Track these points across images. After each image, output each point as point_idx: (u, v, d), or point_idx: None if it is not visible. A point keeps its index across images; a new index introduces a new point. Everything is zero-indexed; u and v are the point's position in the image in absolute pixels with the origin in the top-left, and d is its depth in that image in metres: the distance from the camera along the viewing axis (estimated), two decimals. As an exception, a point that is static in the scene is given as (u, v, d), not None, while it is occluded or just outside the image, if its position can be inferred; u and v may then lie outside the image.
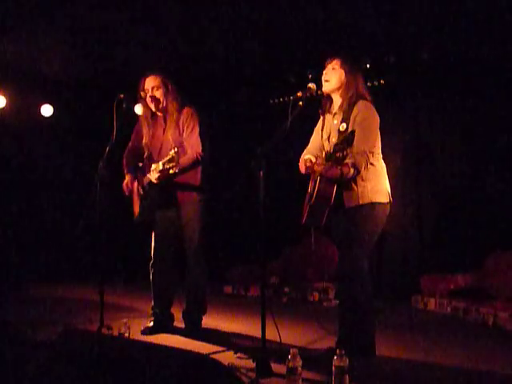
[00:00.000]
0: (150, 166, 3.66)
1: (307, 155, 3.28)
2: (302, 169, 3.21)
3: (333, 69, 3.18)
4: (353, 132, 2.99)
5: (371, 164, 3.07)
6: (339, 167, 2.92)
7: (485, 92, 4.99)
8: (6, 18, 4.79)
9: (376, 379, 2.86)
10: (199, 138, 3.71)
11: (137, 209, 3.91)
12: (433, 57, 5.16)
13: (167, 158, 3.39)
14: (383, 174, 3.17)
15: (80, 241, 6.69)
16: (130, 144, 3.97)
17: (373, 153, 3.07)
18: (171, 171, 3.40)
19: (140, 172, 3.86)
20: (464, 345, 3.61)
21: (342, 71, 3.15)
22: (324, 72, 3.21)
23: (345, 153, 2.91)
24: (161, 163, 3.45)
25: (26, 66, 5.87)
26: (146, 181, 3.74)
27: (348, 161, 2.93)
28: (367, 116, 3.07)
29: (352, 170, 2.94)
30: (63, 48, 5.47)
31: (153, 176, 3.58)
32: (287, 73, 5.84)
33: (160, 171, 3.48)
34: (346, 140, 2.97)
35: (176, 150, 3.38)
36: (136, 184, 3.84)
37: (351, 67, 3.17)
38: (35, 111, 6.64)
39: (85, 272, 6.13)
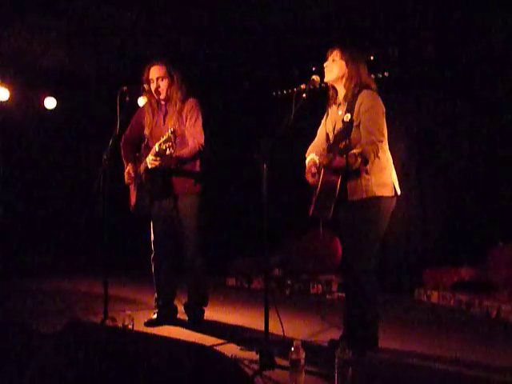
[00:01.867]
0: (147, 155, 3.65)
1: (309, 157, 3.28)
2: (309, 177, 3.20)
3: (333, 60, 3.16)
4: (351, 122, 2.98)
5: (377, 156, 3.03)
6: (345, 156, 2.91)
7: (489, 84, 4.97)
8: (10, 11, 4.78)
9: (378, 372, 2.87)
10: (202, 130, 3.69)
11: (133, 199, 3.90)
12: (437, 49, 5.13)
13: (163, 138, 3.32)
14: (389, 167, 3.13)
15: (84, 232, 6.73)
16: (127, 132, 3.89)
17: (382, 141, 3.03)
18: (168, 151, 3.32)
19: (138, 162, 3.83)
20: (467, 337, 3.62)
21: (343, 62, 3.13)
22: (325, 64, 3.20)
23: (346, 142, 2.89)
24: (156, 145, 3.39)
25: (30, 58, 5.86)
26: (142, 169, 3.71)
27: (355, 151, 2.91)
28: (372, 105, 3.05)
29: (359, 160, 2.88)
30: (67, 41, 5.46)
31: (148, 159, 3.53)
32: (290, 65, 5.82)
33: (155, 153, 3.42)
34: (344, 130, 2.96)
35: (172, 129, 3.31)
36: (134, 174, 3.81)
37: (352, 57, 3.13)
38: (38, 104, 6.65)
39: (89, 264, 6.15)
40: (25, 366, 2.25)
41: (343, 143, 2.88)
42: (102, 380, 1.97)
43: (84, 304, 4.53)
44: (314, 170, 3.18)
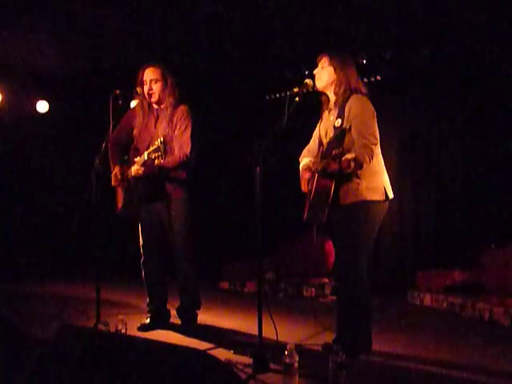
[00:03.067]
0: (135, 158, 3.64)
1: (303, 162, 3.29)
2: (304, 185, 3.22)
3: (322, 67, 3.18)
4: (343, 130, 3.00)
5: (372, 159, 3.03)
6: (337, 161, 2.92)
7: (482, 88, 5.00)
8: (2, 14, 4.76)
9: (372, 375, 2.87)
10: (190, 139, 3.64)
11: (120, 202, 3.88)
12: (430, 53, 5.16)
13: (152, 147, 3.35)
14: (380, 171, 3.14)
15: (76, 236, 6.69)
16: (114, 133, 3.79)
17: (375, 145, 3.04)
18: (156, 161, 3.35)
19: (126, 164, 3.81)
20: (460, 340, 3.63)
21: (332, 68, 3.15)
22: (315, 71, 3.22)
23: (340, 149, 2.90)
24: (146, 153, 3.41)
25: (22, 62, 5.84)
26: (130, 173, 3.70)
27: (349, 156, 2.92)
28: (362, 109, 3.06)
29: (352, 164, 2.90)
30: (59, 44, 5.45)
31: (133, 169, 3.56)
32: (283, 68, 5.83)
33: (143, 163, 3.45)
34: (336, 138, 2.98)
35: (162, 139, 3.33)
36: (121, 176, 3.78)
37: (340, 63, 3.15)
38: (31, 107, 6.62)
39: (81, 268, 6.11)
40: (17, 370, 2.24)
41: (336, 150, 2.90)
42: (95, 385, 1.95)
43: (76, 308, 4.51)
44: (307, 175, 3.19)
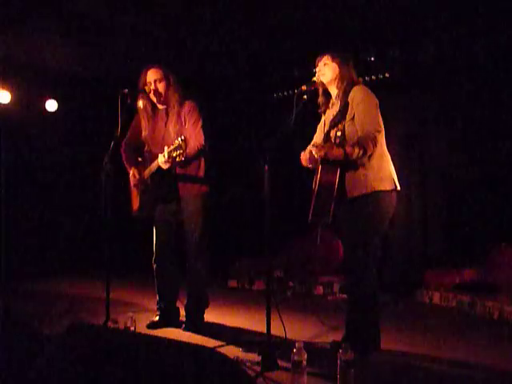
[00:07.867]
0: (151, 160, 3.67)
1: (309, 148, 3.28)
2: (304, 161, 3.21)
3: (325, 64, 3.20)
4: (346, 104, 2.99)
5: (375, 146, 3.01)
6: (341, 147, 2.92)
7: (487, 84, 4.97)
8: (11, 12, 4.79)
9: (381, 373, 2.86)
10: (201, 131, 3.68)
11: (135, 203, 3.90)
12: (438, 50, 5.13)
13: (173, 146, 3.35)
14: (386, 161, 3.12)
15: (86, 235, 6.73)
16: (127, 137, 3.91)
17: (379, 132, 3.04)
18: (178, 159, 3.36)
19: (140, 166, 3.84)
20: (469, 338, 3.62)
21: (335, 64, 3.17)
22: (317, 69, 3.23)
23: (343, 124, 2.90)
24: (166, 151, 3.40)
25: (31, 61, 5.87)
26: (147, 174, 3.73)
27: (353, 142, 2.92)
28: (364, 97, 3.07)
29: (357, 149, 2.90)
30: (68, 43, 5.47)
31: (160, 160, 3.53)
32: (291, 66, 5.82)
33: (166, 161, 3.45)
34: (337, 115, 2.97)
35: (183, 137, 3.34)
36: (140, 176, 3.82)
37: (342, 58, 3.19)
38: (40, 106, 6.65)
39: (91, 266, 6.15)
40: (28, 367, 2.25)
41: (339, 126, 2.90)
42: (104, 382, 1.97)
43: (86, 306, 4.53)
44: (307, 154, 3.18)
